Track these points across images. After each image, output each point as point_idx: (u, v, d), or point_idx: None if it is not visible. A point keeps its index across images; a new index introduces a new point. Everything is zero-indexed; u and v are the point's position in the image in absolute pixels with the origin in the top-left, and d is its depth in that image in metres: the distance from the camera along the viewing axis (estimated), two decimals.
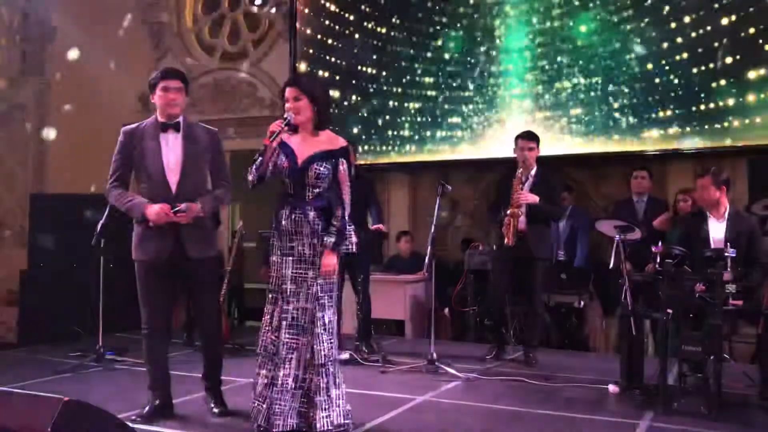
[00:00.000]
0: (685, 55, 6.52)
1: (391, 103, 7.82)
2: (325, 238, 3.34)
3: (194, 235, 3.65)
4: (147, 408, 3.69)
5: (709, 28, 6.43)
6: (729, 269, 3.97)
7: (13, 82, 10.67)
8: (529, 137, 5.30)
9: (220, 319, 4.03)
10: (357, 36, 8.00)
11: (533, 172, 5.27)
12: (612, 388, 4.40)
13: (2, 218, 10.39)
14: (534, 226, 5.20)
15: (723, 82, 6.39)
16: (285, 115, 3.35)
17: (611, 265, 4.64)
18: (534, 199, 5.12)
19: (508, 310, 5.98)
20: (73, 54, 9.85)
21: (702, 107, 6.47)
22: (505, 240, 5.11)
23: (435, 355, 4.97)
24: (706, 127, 6.46)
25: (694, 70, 6.49)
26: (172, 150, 3.67)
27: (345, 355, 5.23)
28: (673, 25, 6.58)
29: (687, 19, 6.52)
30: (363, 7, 7.98)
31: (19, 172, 10.32)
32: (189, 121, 3.79)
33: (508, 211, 5.10)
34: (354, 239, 3.44)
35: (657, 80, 6.65)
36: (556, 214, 5.39)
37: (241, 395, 4.06)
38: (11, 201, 10.36)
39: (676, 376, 4.11)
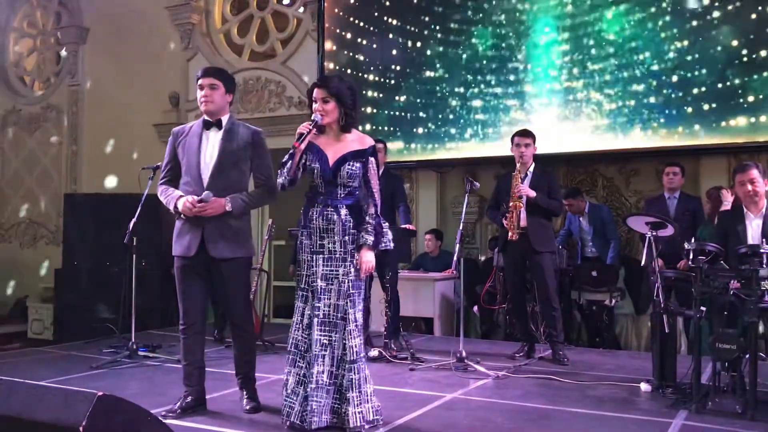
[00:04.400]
0: (718, 49, 6.41)
1: (418, 100, 7.80)
2: (362, 236, 3.39)
3: (217, 234, 3.66)
4: (179, 403, 3.73)
5: (742, 20, 6.31)
6: (765, 266, 3.88)
7: (48, 83, 10.88)
8: (524, 134, 5.33)
9: (249, 315, 4.01)
10: (384, 34, 8.01)
11: (531, 168, 5.31)
12: (644, 386, 4.34)
13: (37, 218, 10.61)
14: (534, 221, 5.21)
15: (757, 75, 6.26)
16: (313, 117, 3.39)
17: (643, 262, 4.59)
18: (532, 192, 5.14)
19: (537, 308, 5.93)
20: (105, 56, 10.01)
21: (735, 101, 6.35)
22: (510, 235, 5.16)
23: (464, 353, 4.96)
24: (741, 121, 6.34)
25: (727, 64, 6.37)
26: (210, 147, 3.73)
27: (374, 353, 5.25)
28: (705, 18, 6.47)
29: (718, 13, 6.41)
30: (390, 4, 7.98)
31: (53, 172, 10.51)
32: (234, 120, 3.84)
33: (510, 204, 5.15)
34: (390, 235, 3.51)
35: (690, 74, 6.54)
36: (554, 209, 5.38)
37: (272, 391, 4.10)
38: (46, 201, 10.56)
39: (710, 375, 4.04)
